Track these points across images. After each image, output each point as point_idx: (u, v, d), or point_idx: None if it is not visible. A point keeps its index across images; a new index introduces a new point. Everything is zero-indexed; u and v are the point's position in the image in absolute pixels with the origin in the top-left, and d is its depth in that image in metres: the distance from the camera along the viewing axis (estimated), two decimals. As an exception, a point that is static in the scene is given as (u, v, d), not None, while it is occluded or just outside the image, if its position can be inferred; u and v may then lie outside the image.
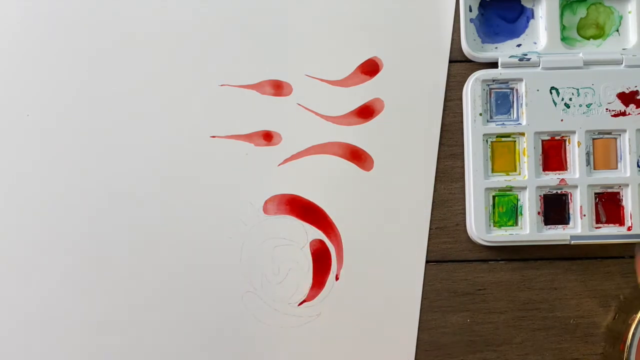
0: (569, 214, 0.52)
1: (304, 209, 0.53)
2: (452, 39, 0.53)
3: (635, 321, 0.49)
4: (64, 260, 0.52)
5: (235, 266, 0.52)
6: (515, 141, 0.52)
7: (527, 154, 0.52)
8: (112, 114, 0.53)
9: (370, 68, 0.53)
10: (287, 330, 0.52)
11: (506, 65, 0.52)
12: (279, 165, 0.53)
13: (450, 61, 0.53)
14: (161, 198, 0.52)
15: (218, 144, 0.53)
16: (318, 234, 0.52)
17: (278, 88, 0.53)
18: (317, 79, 0.53)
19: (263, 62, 0.53)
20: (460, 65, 0.53)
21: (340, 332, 0.52)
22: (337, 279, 0.52)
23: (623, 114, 0.52)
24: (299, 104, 0.53)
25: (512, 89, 0.52)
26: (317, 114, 0.53)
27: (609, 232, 0.52)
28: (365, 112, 0.53)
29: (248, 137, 0.53)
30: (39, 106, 0.53)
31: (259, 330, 0.52)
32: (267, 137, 0.53)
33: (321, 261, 0.52)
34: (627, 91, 0.52)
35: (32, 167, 0.52)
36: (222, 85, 0.53)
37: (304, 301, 0.52)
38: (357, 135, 0.53)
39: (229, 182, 0.53)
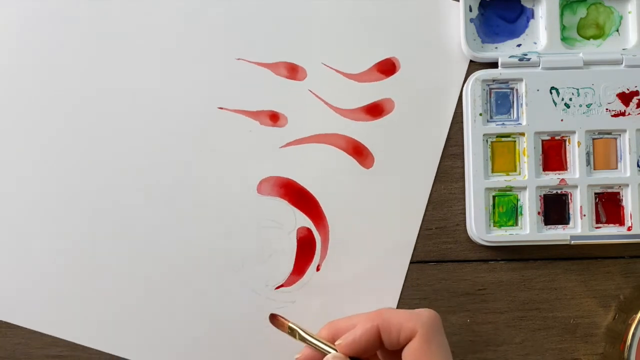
0: (569, 214, 0.52)
1: (297, 195, 0.53)
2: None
3: (635, 321, 0.49)
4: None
5: (218, 240, 0.52)
6: (515, 141, 0.52)
7: (527, 154, 0.52)
8: (127, 70, 0.53)
9: (386, 67, 0.53)
10: (260, 312, 0.52)
11: (506, 65, 0.52)
12: (281, 147, 0.53)
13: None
14: (155, 162, 0.52)
15: (224, 116, 0.53)
16: (307, 221, 0.52)
17: (293, 71, 0.53)
18: (332, 69, 0.53)
19: (283, 43, 0.53)
20: (460, 65, 0.53)
21: (313, 322, 0.51)
22: (318, 269, 0.52)
23: (623, 114, 0.52)
24: (311, 91, 0.53)
25: (512, 89, 0.52)
26: (326, 103, 0.53)
27: (609, 232, 0.52)
28: (375, 110, 0.53)
29: (255, 115, 0.53)
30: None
31: (231, 307, 0.52)
32: (274, 117, 0.53)
33: (305, 249, 0.52)
34: (627, 91, 0.52)
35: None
36: (238, 59, 0.53)
37: (281, 285, 0.52)
38: (362, 131, 0.53)
39: (227, 156, 0.52)
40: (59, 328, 0.52)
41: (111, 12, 0.53)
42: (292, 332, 0.46)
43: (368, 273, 0.52)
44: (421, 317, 0.44)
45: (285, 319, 0.47)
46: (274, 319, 0.48)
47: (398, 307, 0.52)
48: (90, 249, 0.52)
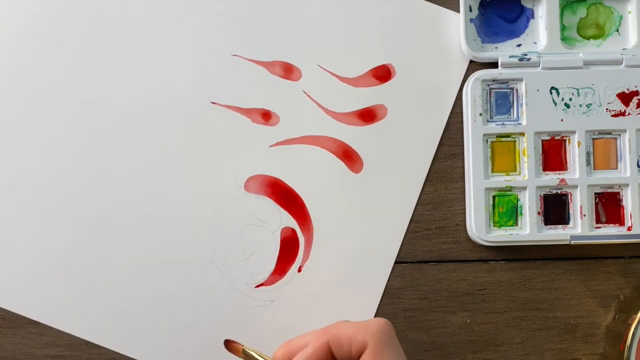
0: (569, 214, 0.52)
1: (284, 195, 0.53)
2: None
3: (635, 321, 0.49)
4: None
5: (203, 234, 0.52)
6: (515, 141, 0.52)
7: (527, 154, 0.52)
8: (126, 64, 0.53)
9: (382, 74, 0.53)
10: (238, 309, 0.52)
11: (506, 65, 0.52)
12: (271, 146, 0.53)
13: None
14: (145, 151, 0.52)
15: (216, 111, 0.53)
16: (292, 222, 0.52)
17: (288, 71, 0.53)
18: (328, 71, 0.53)
19: (280, 42, 0.53)
20: (460, 65, 0.53)
21: (290, 323, 0.52)
22: (299, 270, 0.52)
23: (623, 114, 0.52)
24: (305, 92, 0.53)
25: (512, 89, 0.52)
26: (319, 105, 0.53)
27: (609, 232, 0.52)
28: (367, 116, 0.53)
29: (247, 112, 0.53)
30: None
31: (211, 302, 0.52)
32: (266, 116, 0.53)
33: (288, 249, 0.52)
34: (627, 91, 0.52)
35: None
36: (234, 55, 0.53)
37: (261, 284, 0.52)
38: (353, 135, 0.53)
39: (217, 151, 0.52)
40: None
41: (111, 11, 0.53)
42: (246, 356, 0.46)
43: (349, 277, 0.52)
44: (370, 329, 0.43)
45: (239, 344, 0.47)
46: (228, 344, 0.48)
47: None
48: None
